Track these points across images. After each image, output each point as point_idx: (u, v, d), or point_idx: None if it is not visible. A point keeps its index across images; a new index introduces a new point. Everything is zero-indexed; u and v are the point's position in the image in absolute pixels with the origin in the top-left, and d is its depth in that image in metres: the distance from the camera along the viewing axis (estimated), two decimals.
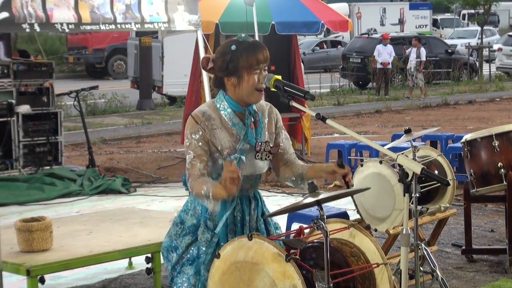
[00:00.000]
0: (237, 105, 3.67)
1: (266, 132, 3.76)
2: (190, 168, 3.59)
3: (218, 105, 3.69)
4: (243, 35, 3.72)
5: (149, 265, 5.56)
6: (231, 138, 3.66)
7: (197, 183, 3.53)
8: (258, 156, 3.69)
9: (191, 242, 3.75)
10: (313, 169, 3.81)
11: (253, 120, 3.70)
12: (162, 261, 3.94)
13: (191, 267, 3.74)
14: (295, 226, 5.49)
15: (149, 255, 5.43)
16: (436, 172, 5.83)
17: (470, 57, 27.74)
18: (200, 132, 3.61)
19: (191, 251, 3.75)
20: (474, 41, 33.74)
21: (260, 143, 3.68)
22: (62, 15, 8.38)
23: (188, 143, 3.62)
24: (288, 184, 3.94)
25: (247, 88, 3.62)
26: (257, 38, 11.10)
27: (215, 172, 3.67)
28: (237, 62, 3.61)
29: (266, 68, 3.69)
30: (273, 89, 3.77)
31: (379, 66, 22.56)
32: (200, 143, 3.60)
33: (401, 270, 3.47)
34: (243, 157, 3.63)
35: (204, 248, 3.71)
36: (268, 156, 3.72)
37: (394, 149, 4.88)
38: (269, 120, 3.80)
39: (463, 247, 6.84)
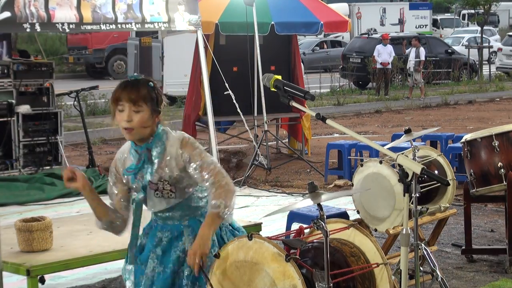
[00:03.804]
0: (133, 143, 3.77)
1: (167, 170, 3.68)
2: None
3: (130, 144, 3.80)
4: (135, 74, 3.79)
5: None
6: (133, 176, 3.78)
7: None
8: (157, 194, 3.71)
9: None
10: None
11: (139, 159, 3.74)
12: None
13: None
14: (295, 226, 5.50)
15: None
16: (436, 172, 5.83)
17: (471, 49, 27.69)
18: (114, 173, 3.83)
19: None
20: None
21: (154, 183, 3.69)
22: (64, 14, 8.37)
23: (108, 183, 3.87)
24: None
25: (118, 123, 3.70)
26: (256, 38, 11.12)
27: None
28: (112, 97, 3.72)
29: (139, 108, 3.64)
30: (273, 89, 3.77)
31: (379, 66, 22.56)
32: (114, 186, 3.80)
33: (401, 270, 3.46)
34: (141, 195, 3.72)
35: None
36: (170, 195, 3.69)
37: (394, 149, 4.88)
38: (176, 156, 3.69)
39: (463, 247, 6.84)
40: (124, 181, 3.78)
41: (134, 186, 3.74)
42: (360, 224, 5.34)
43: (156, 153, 3.70)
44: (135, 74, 3.80)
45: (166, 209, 3.74)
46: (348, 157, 10.31)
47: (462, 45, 31.09)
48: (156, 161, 3.70)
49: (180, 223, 3.75)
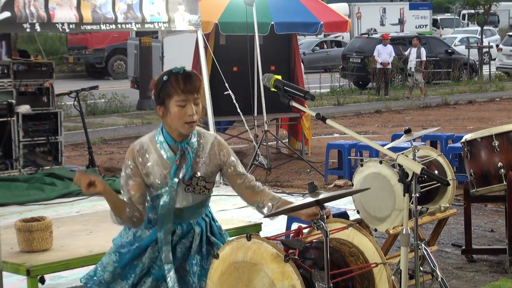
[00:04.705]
0: (171, 139, 3.71)
1: (202, 166, 3.73)
2: (122, 194, 3.75)
3: (156, 138, 3.74)
4: (179, 67, 3.71)
5: None
6: (164, 170, 3.71)
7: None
8: (188, 189, 3.73)
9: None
10: (287, 204, 3.76)
11: (179, 157, 3.71)
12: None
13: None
14: (294, 226, 5.50)
15: None
16: (436, 172, 5.83)
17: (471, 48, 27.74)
18: (131, 166, 3.71)
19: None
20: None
21: (189, 179, 3.70)
22: (64, 14, 8.39)
23: (121, 175, 3.76)
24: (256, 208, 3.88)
25: (174, 119, 3.65)
26: (256, 38, 11.12)
27: (151, 205, 3.78)
28: (165, 92, 3.64)
29: (198, 99, 3.66)
30: (273, 89, 3.77)
31: (379, 66, 22.57)
32: (130, 178, 3.71)
33: (401, 270, 3.46)
34: (173, 191, 3.70)
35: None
36: (203, 191, 3.74)
37: (394, 149, 4.88)
38: (211, 154, 3.76)
39: (463, 247, 6.84)
40: (144, 175, 3.70)
41: (159, 182, 3.70)
42: (360, 224, 5.34)
43: (193, 148, 3.72)
44: (178, 66, 3.71)
45: (187, 206, 3.75)
46: (348, 157, 10.31)
47: (454, 45, 31.10)
48: (192, 156, 3.71)
49: (191, 221, 3.79)
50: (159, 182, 3.71)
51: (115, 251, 3.87)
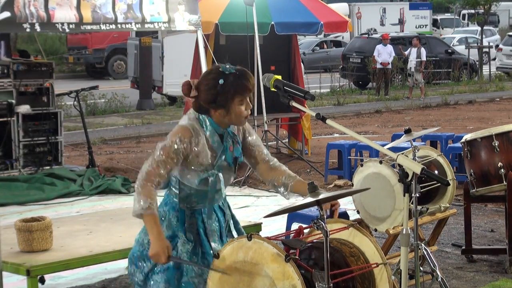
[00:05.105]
0: (219, 127, 3.78)
1: (237, 149, 3.88)
2: (153, 167, 3.65)
3: (202, 124, 3.77)
4: (227, 66, 3.72)
5: None
6: (212, 154, 3.76)
7: (145, 190, 3.62)
8: (233, 171, 3.88)
9: None
10: (302, 186, 3.84)
11: (231, 142, 3.82)
12: (129, 268, 3.96)
13: (162, 275, 3.80)
14: (295, 226, 5.49)
15: None
16: (436, 172, 5.83)
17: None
18: (185, 145, 3.68)
19: None
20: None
21: (234, 162, 3.85)
22: (64, 14, 8.38)
23: (168, 146, 3.67)
24: (270, 187, 4.03)
25: (235, 117, 3.73)
26: (256, 38, 11.12)
27: (188, 183, 3.78)
28: (226, 96, 3.66)
29: (249, 97, 3.75)
30: (273, 89, 3.77)
31: (379, 66, 22.56)
32: (178, 154, 3.67)
33: (401, 270, 3.47)
34: (220, 174, 3.80)
35: (186, 259, 3.78)
36: (237, 170, 3.94)
37: (394, 149, 4.88)
38: (239, 135, 3.91)
39: (463, 247, 6.84)
40: (194, 154, 3.70)
41: (208, 163, 3.74)
42: (360, 224, 5.34)
43: (231, 133, 3.83)
44: (227, 66, 3.73)
45: (221, 188, 3.87)
46: (348, 157, 10.31)
47: (453, 45, 31.10)
48: (231, 141, 3.82)
49: (220, 204, 3.94)
50: (208, 163, 3.75)
51: (159, 271, 3.81)
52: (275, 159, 3.97)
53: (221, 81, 3.65)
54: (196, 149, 3.71)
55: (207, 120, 3.76)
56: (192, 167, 3.74)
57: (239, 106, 3.68)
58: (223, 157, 3.78)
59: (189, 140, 3.69)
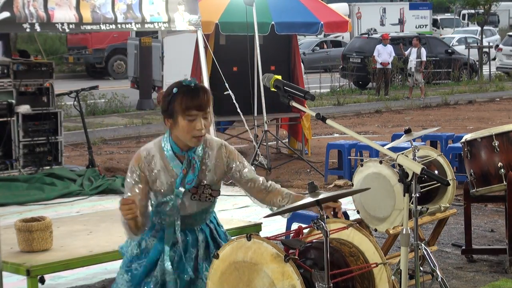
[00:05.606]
0: (178, 148, 3.71)
1: (208, 174, 3.77)
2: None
3: (163, 144, 3.74)
4: (190, 80, 3.71)
5: None
6: (171, 178, 3.72)
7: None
8: (194, 197, 3.74)
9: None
10: (300, 198, 3.80)
11: (186, 166, 3.71)
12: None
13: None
14: (294, 226, 5.49)
15: None
16: (436, 172, 5.83)
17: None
18: (138, 172, 3.70)
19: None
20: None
21: (195, 187, 3.71)
22: (63, 15, 8.38)
23: (126, 182, 3.73)
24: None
25: (182, 133, 3.65)
26: (256, 38, 11.12)
27: (155, 210, 3.78)
28: (174, 105, 3.63)
29: (207, 114, 3.65)
30: (273, 89, 3.76)
31: (379, 66, 22.56)
32: (136, 185, 3.69)
33: (401, 270, 3.46)
34: (178, 200, 3.71)
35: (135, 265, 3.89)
36: (209, 198, 3.77)
37: (394, 149, 4.88)
38: (217, 161, 3.80)
39: (463, 247, 6.84)
40: (151, 181, 3.71)
41: (162, 190, 3.71)
42: (360, 224, 5.34)
43: (199, 157, 3.73)
44: (188, 79, 3.72)
45: (192, 213, 3.77)
46: (348, 157, 10.31)
47: (452, 45, 31.11)
48: (198, 165, 3.72)
49: (195, 228, 3.81)
50: (165, 189, 3.72)
51: (126, 270, 3.91)
52: (270, 182, 3.91)
53: (175, 90, 3.64)
54: (151, 173, 3.70)
55: (168, 142, 3.72)
56: (154, 189, 3.74)
57: (187, 121, 3.60)
58: (178, 181, 3.71)
59: (139, 168, 3.70)
